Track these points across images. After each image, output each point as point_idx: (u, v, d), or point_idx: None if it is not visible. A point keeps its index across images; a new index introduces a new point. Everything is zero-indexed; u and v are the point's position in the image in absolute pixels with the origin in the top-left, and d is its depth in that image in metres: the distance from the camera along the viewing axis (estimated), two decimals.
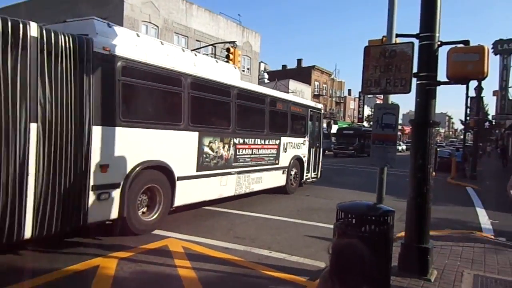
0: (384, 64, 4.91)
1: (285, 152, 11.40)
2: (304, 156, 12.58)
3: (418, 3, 5.07)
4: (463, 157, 21.23)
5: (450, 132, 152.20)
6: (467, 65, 4.91)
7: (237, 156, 9.25)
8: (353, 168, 23.26)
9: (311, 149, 13.15)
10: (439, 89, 5.03)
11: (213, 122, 8.75)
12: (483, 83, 20.88)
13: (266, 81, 54.04)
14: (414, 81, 4.98)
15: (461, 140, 32.55)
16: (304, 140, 12.65)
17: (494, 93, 39.74)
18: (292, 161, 11.76)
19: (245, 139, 9.55)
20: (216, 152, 8.50)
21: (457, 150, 28.83)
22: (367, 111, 58.37)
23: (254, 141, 9.95)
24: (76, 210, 5.37)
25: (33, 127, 4.77)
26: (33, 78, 4.75)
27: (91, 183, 5.57)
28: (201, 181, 8.07)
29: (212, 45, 30.38)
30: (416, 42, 5.02)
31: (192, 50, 29.88)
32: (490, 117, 45.29)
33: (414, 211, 5.03)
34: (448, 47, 5.12)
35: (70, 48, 5.16)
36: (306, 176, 12.92)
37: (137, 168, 6.32)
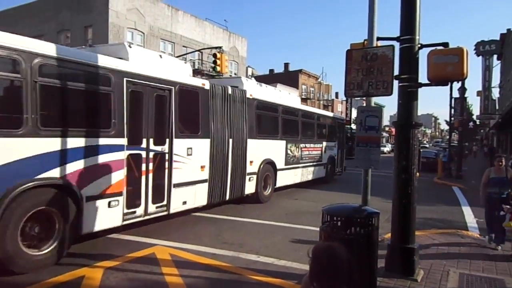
0: (366, 67, 4.97)
1: (325, 152, 15.59)
2: (335, 156, 16.81)
3: (399, 6, 5.16)
4: (449, 157, 21.52)
5: (437, 133, 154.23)
6: (447, 66, 4.99)
7: (302, 156, 13.52)
8: None
9: (339, 150, 17.25)
10: (425, 90, 5.14)
11: (291, 133, 12.82)
12: (467, 84, 21.24)
13: None
14: (396, 83, 5.05)
15: (447, 140, 32.98)
16: (335, 144, 16.84)
17: (478, 93, 40.51)
18: (328, 159, 15.97)
19: (306, 144, 13.83)
20: (293, 153, 12.82)
21: (444, 150, 29.22)
22: (355, 113, 58.85)
23: (310, 145, 14.19)
24: (241, 186, 9.92)
25: (230, 141, 9.37)
26: (232, 115, 9.42)
27: (246, 171, 10.04)
28: (287, 172, 12.42)
29: (198, 50, 30.34)
30: (397, 45, 5.10)
31: (178, 56, 29.82)
32: (474, 117, 46.12)
33: (399, 212, 5.08)
34: (429, 49, 5.20)
35: (239, 96, 9.76)
36: (336, 170, 17.10)
37: (263, 163, 10.83)
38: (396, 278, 4.88)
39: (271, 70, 63.63)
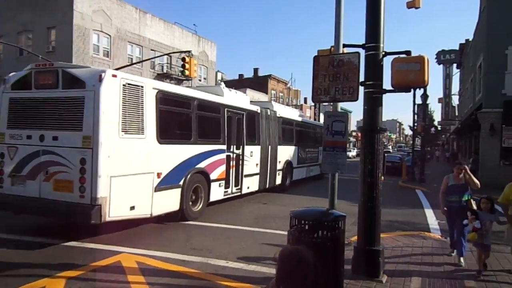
0: (333, 73, 5.07)
1: (320, 155, 18.38)
2: None
3: (364, 14, 5.31)
4: (412, 161, 22.26)
5: (401, 138, 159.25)
6: (410, 74, 5.18)
7: (307, 158, 17.84)
8: None
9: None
10: (391, 96, 5.28)
11: (300, 140, 16.93)
12: (429, 91, 22.16)
13: None
14: (361, 89, 5.18)
15: (410, 145, 34.13)
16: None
17: (439, 100, 42.23)
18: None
19: (308, 149, 18.13)
20: (302, 155, 17.07)
21: (408, 155, 30.22)
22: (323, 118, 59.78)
23: (311, 149, 18.44)
24: (275, 178, 13.99)
25: (269, 147, 13.45)
26: (270, 129, 13.48)
27: (277, 168, 14.10)
28: (298, 169, 16.72)
29: (167, 54, 29.96)
30: (362, 52, 5.24)
31: (146, 60, 29.13)
32: (436, 123, 48.01)
33: (365, 215, 5.19)
34: (392, 57, 5.38)
35: (273, 116, 13.85)
36: None
37: (286, 163, 15.07)
38: (362, 280, 4.98)
39: (241, 75, 63.77)
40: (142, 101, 7.31)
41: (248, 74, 64.68)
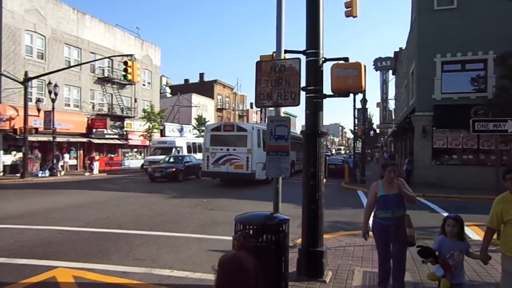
0: (275, 79, 5.15)
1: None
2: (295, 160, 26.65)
3: (305, 22, 5.45)
4: (354, 164, 23.22)
5: (344, 141, 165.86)
6: (348, 79, 5.37)
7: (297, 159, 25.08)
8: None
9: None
10: (334, 101, 5.45)
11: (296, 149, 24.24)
12: (369, 96, 23.51)
13: (168, 95, 53.09)
14: (303, 94, 5.30)
15: (350, 148, 35.60)
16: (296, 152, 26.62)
17: (378, 104, 44.52)
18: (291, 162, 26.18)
19: (299, 156, 24.60)
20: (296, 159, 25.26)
21: (350, 157, 31.52)
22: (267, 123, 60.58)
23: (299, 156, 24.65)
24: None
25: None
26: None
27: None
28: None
29: (108, 58, 28.84)
30: (303, 58, 5.37)
31: (86, 63, 28.14)
32: (375, 126, 50.56)
33: (308, 217, 5.30)
34: (332, 63, 5.57)
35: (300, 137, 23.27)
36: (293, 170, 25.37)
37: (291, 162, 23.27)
38: (307, 281, 5.07)
39: (186, 80, 63.04)
40: (260, 135, 19.46)
41: (194, 79, 64.12)
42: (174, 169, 21.79)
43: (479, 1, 18.75)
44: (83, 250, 6.86)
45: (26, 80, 22.17)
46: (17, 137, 22.74)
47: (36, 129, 23.10)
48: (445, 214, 9.10)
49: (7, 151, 24.06)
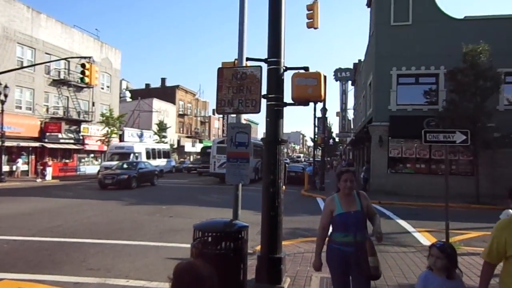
0: (236, 86, 5.16)
1: (256, 164, 26.44)
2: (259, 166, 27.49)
3: (267, 30, 5.52)
4: (313, 171, 23.66)
5: (304, 149, 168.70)
6: (308, 88, 5.49)
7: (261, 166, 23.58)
8: (218, 186, 23.67)
9: (259, 162, 26.67)
10: (295, 109, 5.53)
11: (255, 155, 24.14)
12: (329, 105, 24.23)
13: (128, 99, 51.79)
14: (264, 102, 5.35)
15: (308, 155, 36.33)
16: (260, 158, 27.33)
17: (337, 114, 45.81)
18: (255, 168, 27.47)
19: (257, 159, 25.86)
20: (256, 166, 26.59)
21: (309, 165, 32.09)
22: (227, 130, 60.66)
23: (258, 159, 25.20)
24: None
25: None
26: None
27: None
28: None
29: (64, 59, 27.77)
30: (264, 66, 5.43)
31: (40, 64, 27.16)
32: (334, 135, 51.90)
33: (267, 223, 5.32)
34: (293, 72, 5.67)
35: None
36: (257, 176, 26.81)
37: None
38: (266, 287, 5.07)
39: (147, 85, 61.89)
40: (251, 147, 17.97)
41: (156, 84, 63.05)
42: (126, 176, 20.63)
43: (432, 18, 19.85)
44: (32, 261, 6.50)
45: None
46: None
47: None
48: (399, 221, 9.51)
49: None
